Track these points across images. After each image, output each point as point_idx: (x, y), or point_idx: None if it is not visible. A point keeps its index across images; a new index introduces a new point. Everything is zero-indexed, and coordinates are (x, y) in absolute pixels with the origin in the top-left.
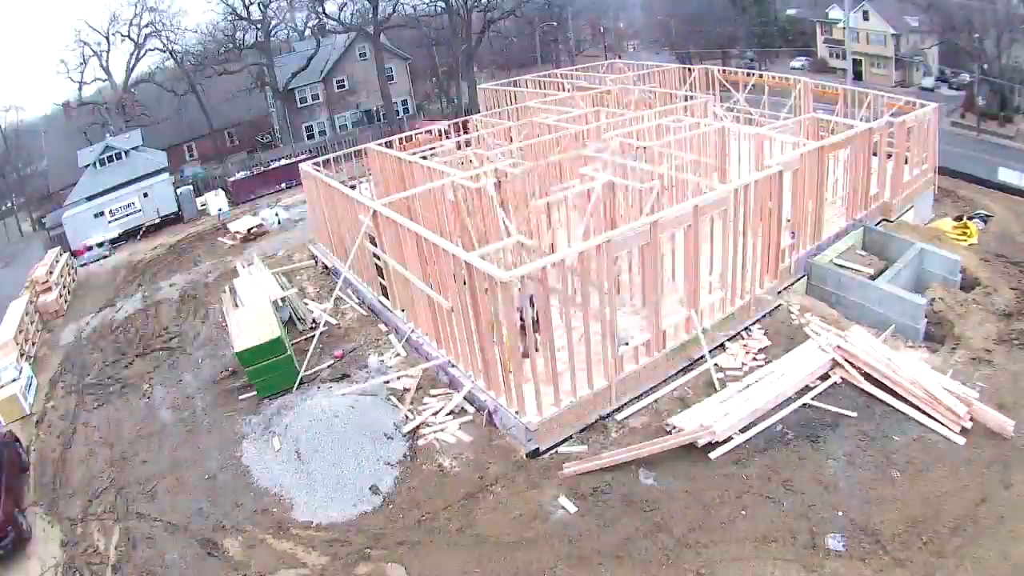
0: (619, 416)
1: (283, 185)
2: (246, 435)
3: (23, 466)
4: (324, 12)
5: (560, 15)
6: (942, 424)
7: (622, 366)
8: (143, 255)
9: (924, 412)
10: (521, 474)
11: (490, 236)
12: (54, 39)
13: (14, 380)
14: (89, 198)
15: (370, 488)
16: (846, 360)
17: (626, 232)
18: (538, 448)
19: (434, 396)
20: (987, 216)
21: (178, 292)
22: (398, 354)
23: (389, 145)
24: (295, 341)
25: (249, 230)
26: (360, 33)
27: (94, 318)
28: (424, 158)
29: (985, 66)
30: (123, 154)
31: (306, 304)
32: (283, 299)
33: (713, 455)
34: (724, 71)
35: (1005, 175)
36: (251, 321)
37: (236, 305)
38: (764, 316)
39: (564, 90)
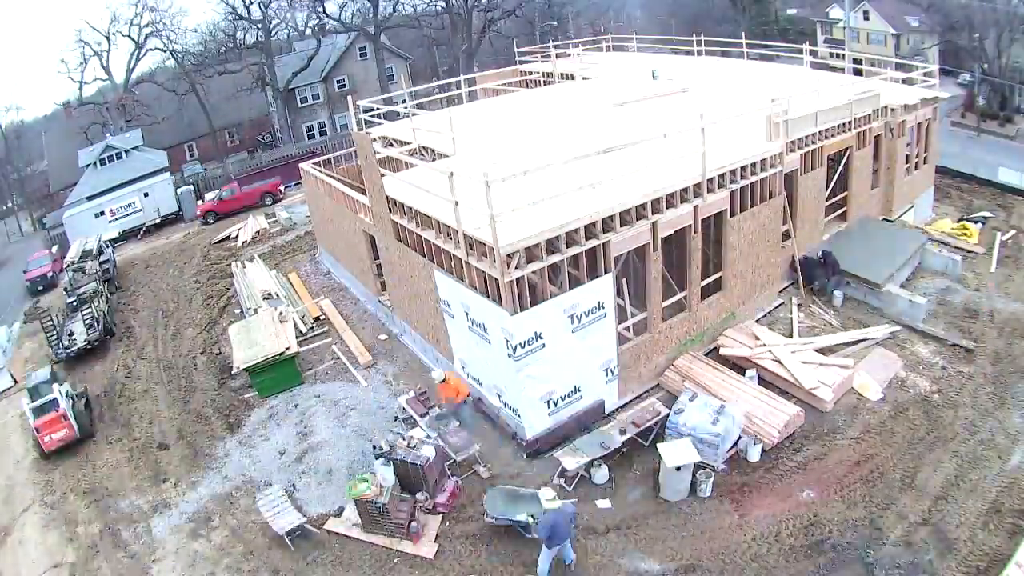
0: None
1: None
2: None
3: None
4: (324, 12)
5: (560, 15)
6: None
7: None
8: None
9: None
10: None
11: None
12: (55, 39)
13: None
14: (89, 198)
15: None
16: None
17: None
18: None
19: None
20: (986, 218)
21: None
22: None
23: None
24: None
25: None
26: (360, 33)
27: None
28: None
29: (985, 66)
30: (123, 154)
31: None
32: (274, 295)
33: None
34: None
35: (1005, 175)
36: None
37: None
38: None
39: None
